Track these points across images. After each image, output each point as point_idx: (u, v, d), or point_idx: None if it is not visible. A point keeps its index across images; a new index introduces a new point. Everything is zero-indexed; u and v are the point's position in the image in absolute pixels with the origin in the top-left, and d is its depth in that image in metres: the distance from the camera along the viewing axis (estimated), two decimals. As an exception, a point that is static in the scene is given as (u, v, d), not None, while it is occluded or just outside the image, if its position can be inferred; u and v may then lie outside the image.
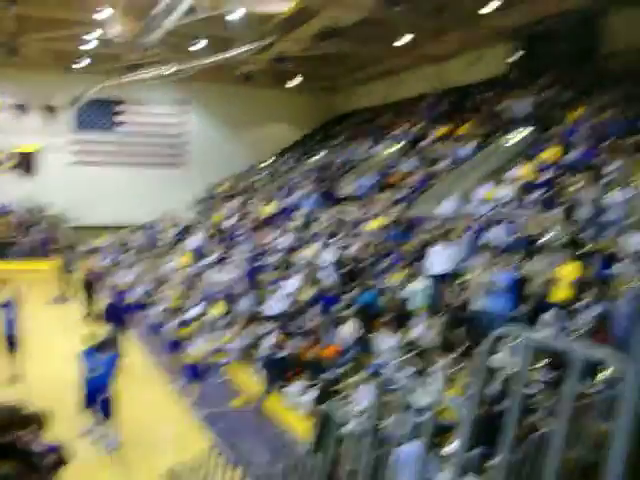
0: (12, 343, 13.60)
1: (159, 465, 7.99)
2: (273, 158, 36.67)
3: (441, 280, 13.71)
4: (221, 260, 21.57)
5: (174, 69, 27.87)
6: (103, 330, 13.58)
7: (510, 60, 25.33)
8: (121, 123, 35.26)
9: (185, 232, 27.89)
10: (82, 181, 33.10)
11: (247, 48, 26.00)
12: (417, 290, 13.45)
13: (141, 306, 19.42)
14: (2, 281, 14.15)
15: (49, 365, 14.09)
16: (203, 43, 26.52)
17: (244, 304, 16.91)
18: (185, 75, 28.93)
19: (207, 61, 27.05)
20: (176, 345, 14.25)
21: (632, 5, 20.58)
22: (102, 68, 30.29)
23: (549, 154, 17.79)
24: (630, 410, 1.39)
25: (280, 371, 13.31)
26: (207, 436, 10.96)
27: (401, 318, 13.41)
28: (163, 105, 35.97)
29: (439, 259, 14.07)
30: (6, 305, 13.71)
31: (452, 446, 7.44)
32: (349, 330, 13.48)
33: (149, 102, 35.58)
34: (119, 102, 34.89)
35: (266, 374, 13.22)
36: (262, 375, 13.59)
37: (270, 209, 25.62)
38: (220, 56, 26.67)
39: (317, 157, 32.08)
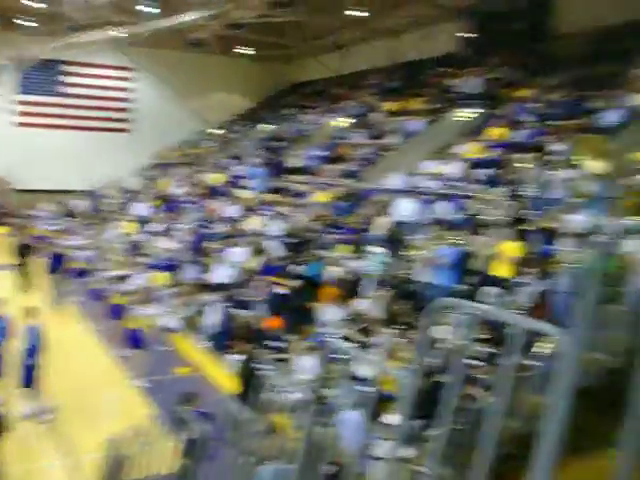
0: None
1: (100, 433, 7.90)
2: (223, 126, 36.28)
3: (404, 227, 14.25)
4: (167, 228, 21.34)
5: (123, 32, 27.20)
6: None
7: (462, 37, 25.43)
8: (66, 85, 34.28)
9: (131, 199, 27.47)
10: (25, 144, 32.01)
11: (200, 14, 25.53)
12: (372, 257, 13.64)
13: (84, 273, 19.09)
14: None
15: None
16: (154, 6, 25.90)
17: (190, 273, 16.79)
18: (134, 39, 28.28)
19: (158, 25, 26.46)
20: (119, 312, 14.07)
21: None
22: (48, 28, 29.34)
23: (497, 132, 18.03)
24: (566, 382, 1.42)
25: (224, 340, 13.31)
26: (149, 404, 10.90)
27: (348, 290, 13.52)
28: (110, 69, 35.08)
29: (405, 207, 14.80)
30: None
31: (393, 416, 7.56)
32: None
33: (95, 65, 34.62)
34: (65, 64, 33.90)
35: (211, 343, 13.21)
36: (206, 344, 13.57)
37: (218, 178, 25.39)
38: (171, 21, 26.14)
39: (267, 127, 31.85)
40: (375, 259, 13.61)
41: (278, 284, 14.23)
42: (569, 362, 1.39)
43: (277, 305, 13.80)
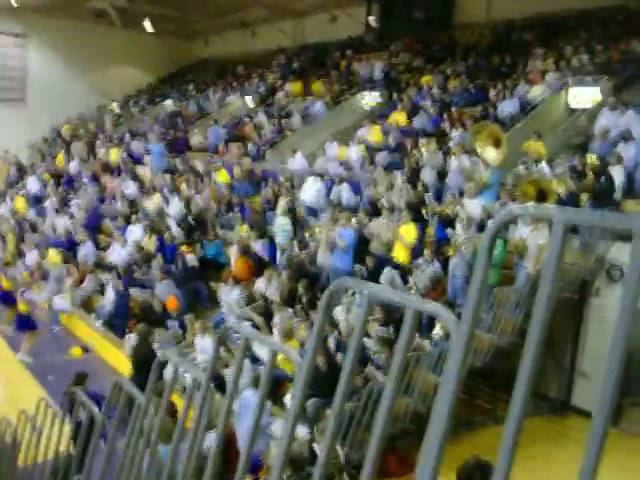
0: None
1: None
2: (123, 101, 35.30)
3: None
4: (61, 204, 20.61)
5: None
6: None
7: (367, 22, 25.65)
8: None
9: (22, 173, 26.36)
10: None
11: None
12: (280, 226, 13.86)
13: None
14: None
15: None
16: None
17: (85, 252, 16.33)
18: (27, 4, 27.01)
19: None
20: (7, 296, 13.52)
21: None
22: None
23: (397, 117, 18.33)
24: (456, 362, 1.47)
25: (122, 321, 13.06)
26: (40, 387, 10.58)
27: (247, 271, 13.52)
28: (2, 35, 33.35)
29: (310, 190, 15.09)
30: None
31: (290, 396, 7.62)
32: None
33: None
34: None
35: (107, 324, 12.93)
36: (102, 325, 13.28)
37: (116, 153, 24.69)
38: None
39: (168, 103, 31.21)
40: (281, 230, 13.72)
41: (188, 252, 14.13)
42: (459, 343, 1.44)
43: (186, 278, 13.68)
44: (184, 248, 14.41)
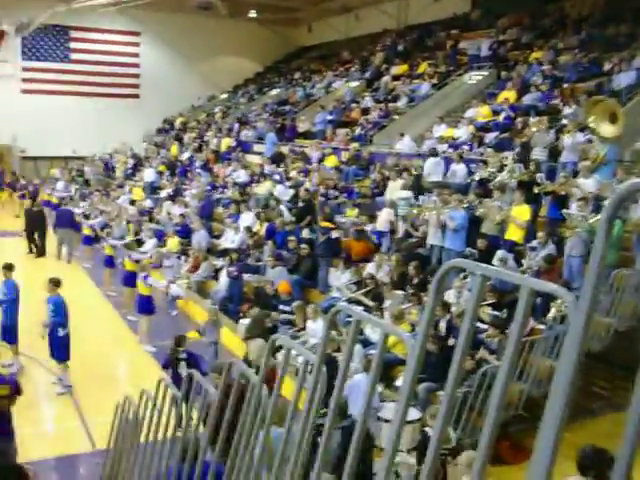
0: None
1: (111, 398, 8.01)
2: (231, 91, 36.08)
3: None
4: (176, 194, 21.33)
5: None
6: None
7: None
8: (72, 51, 34.02)
9: (139, 165, 27.44)
10: (32, 111, 31.67)
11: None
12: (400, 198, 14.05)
13: (94, 239, 19.15)
14: None
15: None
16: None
17: (199, 238, 16.83)
18: (139, 2, 27.97)
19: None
20: (130, 279, 14.15)
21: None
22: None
23: (507, 95, 17.84)
24: (575, 345, 1.41)
25: (235, 305, 13.39)
26: (158, 369, 11.02)
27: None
28: (117, 34, 34.74)
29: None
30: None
31: (401, 379, 7.59)
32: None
33: (101, 30, 34.24)
34: (70, 29, 33.60)
35: (222, 308, 13.28)
36: (216, 309, 13.66)
37: (227, 143, 25.31)
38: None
39: (276, 91, 31.64)
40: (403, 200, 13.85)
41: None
42: (578, 325, 1.38)
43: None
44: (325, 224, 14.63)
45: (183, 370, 8.47)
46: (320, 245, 13.86)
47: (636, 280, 9.57)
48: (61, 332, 10.10)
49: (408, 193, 14.17)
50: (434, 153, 15.44)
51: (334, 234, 14.05)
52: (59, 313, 10.09)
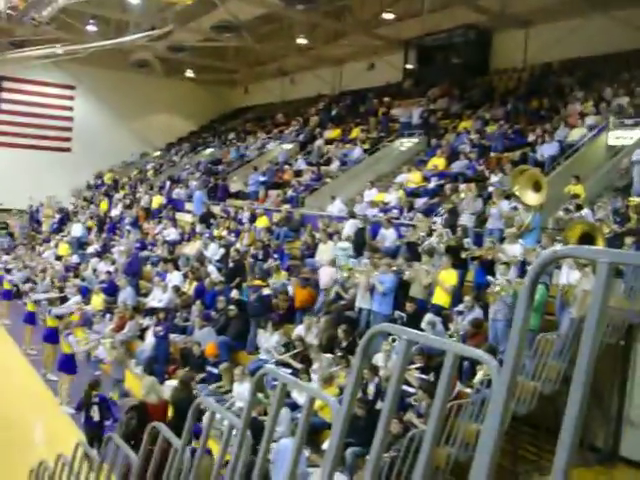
0: None
1: (26, 462, 7.63)
2: (164, 149, 36.00)
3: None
4: (103, 250, 20.93)
5: (65, 49, 26.75)
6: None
7: (404, 68, 25.88)
8: (3, 101, 33.47)
9: (67, 219, 26.91)
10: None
11: (143, 34, 25.40)
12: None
13: (15, 294, 18.54)
14: None
15: None
16: (96, 25, 25.65)
17: (125, 296, 16.48)
18: (76, 57, 27.85)
19: (100, 44, 26.17)
20: (52, 335, 13.69)
21: (513, 27, 21.73)
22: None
23: (435, 162, 18.33)
24: (498, 409, 1.42)
25: (161, 366, 13.08)
26: (77, 432, 10.60)
27: (285, 316, 13.49)
28: (49, 87, 34.38)
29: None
30: None
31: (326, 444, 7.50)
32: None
33: (35, 82, 33.87)
34: (2, 79, 33.13)
35: (147, 369, 12.94)
36: (142, 369, 13.29)
37: (158, 200, 25.09)
38: (115, 40, 25.91)
39: (209, 150, 31.74)
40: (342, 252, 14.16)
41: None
42: (501, 387, 1.39)
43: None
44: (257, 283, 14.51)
45: (95, 414, 9.28)
46: (251, 303, 13.74)
47: (560, 344, 9.78)
48: None
49: (347, 244, 14.48)
50: (353, 215, 15.78)
51: (265, 292, 13.97)
52: None
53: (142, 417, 8.15)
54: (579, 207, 12.42)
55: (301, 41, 25.72)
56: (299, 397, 9.90)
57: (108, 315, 16.04)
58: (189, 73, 34.26)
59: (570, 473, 1.31)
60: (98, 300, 16.62)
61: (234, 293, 14.82)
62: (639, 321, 10.44)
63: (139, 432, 7.54)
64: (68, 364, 12.27)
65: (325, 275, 13.71)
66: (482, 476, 1.42)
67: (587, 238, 9.98)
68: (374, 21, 24.17)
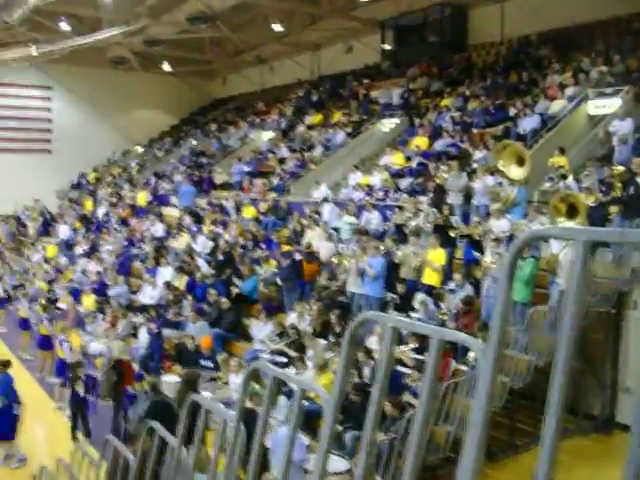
0: None
1: (27, 467, 7.64)
2: (146, 144, 35.79)
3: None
4: (91, 250, 20.83)
5: (40, 51, 26.50)
6: None
7: (382, 50, 25.76)
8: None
9: (52, 221, 26.76)
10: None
11: (117, 31, 25.19)
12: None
13: (5, 300, 18.43)
14: None
15: None
16: (69, 24, 25.38)
17: (118, 294, 16.42)
18: (50, 57, 27.60)
19: (75, 42, 25.94)
20: (45, 342, 13.66)
21: (489, 1, 21.68)
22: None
23: (418, 142, 18.33)
24: (485, 387, 1.43)
25: (157, 362, 13.06)
26: (77, 434, 10.61)
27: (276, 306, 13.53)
28: (29, 88, 34.00)
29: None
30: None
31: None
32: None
33: (11, 84, 33.45)
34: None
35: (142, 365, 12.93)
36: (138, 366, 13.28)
37: (143, 197, 24.98)
38: (89, 38, 25.69)
39: (192, 144, 31.57)
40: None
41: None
42: (487, 365, 1.41)
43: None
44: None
45: (81, 389, 10.25)
46: (284, 269, 13.91)
47: (551, 316, 9.85)
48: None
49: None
50: (327, 199, 15.91)
51: (297, 256, 14.11)
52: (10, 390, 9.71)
53: (120, 372, 10.55)
54: (564, 176, 12.47)
55: (277, 28, 25.55)
56: (293, 384, 9.92)
57: (100, 315, 15.98)
58: (167, 67, 34.00)
59: (558, 443, 1.34)
60: (89, 301, 16.56)
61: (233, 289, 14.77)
62: (628, 288, 10.53)
63: (119, 385, 10.48)
64: (64, 370, 12.25)
65: (325, 249, 13.90)
66: (473, 452, 1.44)
67: (572, 209, 10.03)
68: (350, 3, 24.02)
